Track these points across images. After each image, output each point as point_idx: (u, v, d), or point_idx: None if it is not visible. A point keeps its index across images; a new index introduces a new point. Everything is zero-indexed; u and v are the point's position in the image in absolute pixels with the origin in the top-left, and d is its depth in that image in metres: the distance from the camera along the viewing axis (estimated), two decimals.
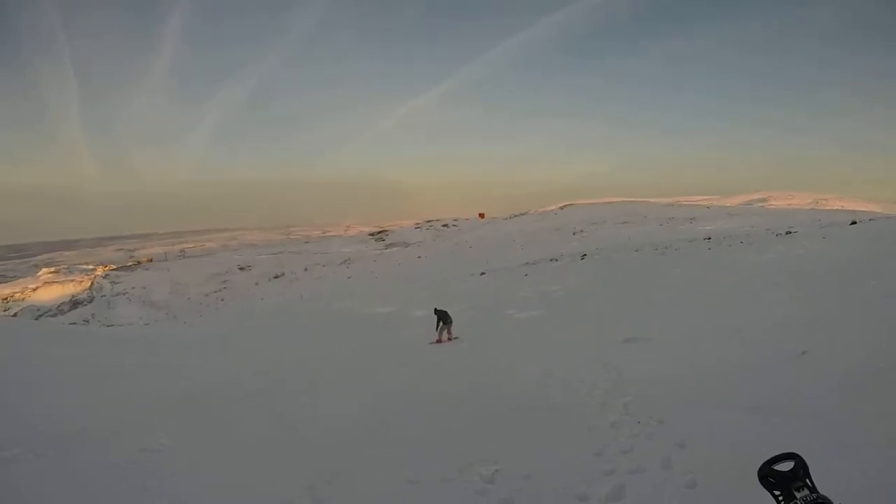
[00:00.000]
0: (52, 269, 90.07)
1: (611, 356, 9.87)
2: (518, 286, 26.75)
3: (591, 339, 12.30)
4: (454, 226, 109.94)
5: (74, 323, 55.16)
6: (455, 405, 7.94)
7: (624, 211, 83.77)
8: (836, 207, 78.00)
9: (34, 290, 75.94)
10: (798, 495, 1.49)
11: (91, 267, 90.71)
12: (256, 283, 71.55)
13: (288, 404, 8.57)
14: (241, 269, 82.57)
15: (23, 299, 73.11)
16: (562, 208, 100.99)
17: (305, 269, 75.38)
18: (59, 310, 69.33)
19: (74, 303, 71.32)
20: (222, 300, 64.74)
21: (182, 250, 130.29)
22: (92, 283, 76.60)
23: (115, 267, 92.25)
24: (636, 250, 36.44)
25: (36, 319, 56.82)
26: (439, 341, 14.87)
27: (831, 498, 1.48)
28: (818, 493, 1.50)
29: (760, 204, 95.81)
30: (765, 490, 1.58)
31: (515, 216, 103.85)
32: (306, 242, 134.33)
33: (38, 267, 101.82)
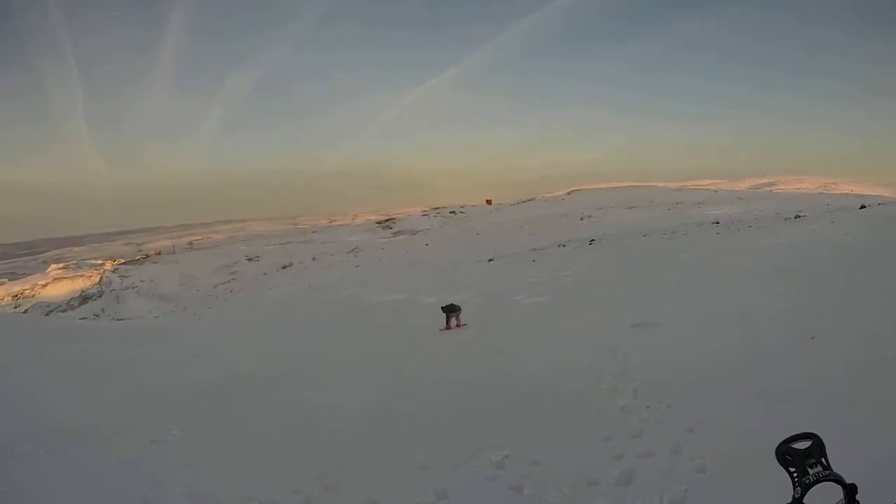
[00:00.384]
0: (61, 264, 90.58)
1: (619, 341, 9.86)
2: (526, 272, 26.70)
3: (599, 325, 12.28)
4: (461, 213, 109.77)
5: (84, 318, 55.60)
6: (464, 392, 7.95)
7: (631, 196, 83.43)
8: (844, 192, 77.39)
9: (44, 286, 76.42)
10: (811, 471, 1.51)
11: (100, 262, 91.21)
12: (265, 274, 71.73)
13: (298, 393, 8.61)
14: (249, 259, 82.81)
15: (33, 296, 73.59)
16: (569, 194, 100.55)
17: (313, 259, 75.50)
18: (68, 305, 69.74)
19: (84, 298, 71.72)
20: (231, 291, 64.97)
21: (190, 243, 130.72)
22: (101, 278, 77.04)
23: (123, 261, 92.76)
24: (644, 235, 36.31)
25: (46, 315, 57.23)
26: (448, 328, 14.91)
27: (844, 478, 1.49)
28: (831, 470, 1.51)
29: (769, 188, 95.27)
30: (775, 474, 1.60)
31: (523, 202, 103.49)
32: (314, 232, 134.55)
33: (47, 263, 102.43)
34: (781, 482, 1.58)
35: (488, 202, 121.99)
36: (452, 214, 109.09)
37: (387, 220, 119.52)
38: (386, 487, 4.89)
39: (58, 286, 75.79)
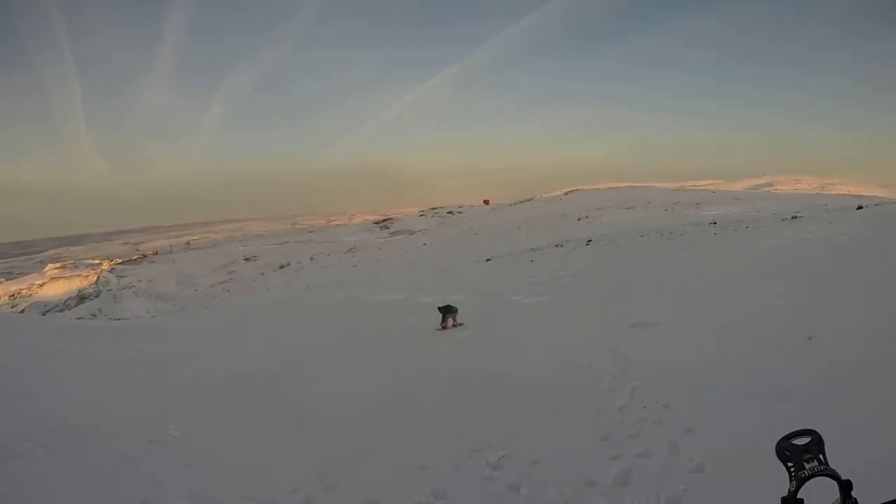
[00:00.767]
0: (59, 264, 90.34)
1: (617, 341, 9.88)
2: (524, 272, 26.73)
3: (598, 325, 12.30)
4: (459, 213, 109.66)
5: (81, 318, 55.47)
6: (463, 391, 7.97)
7: (629, 196, 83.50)
8: (842, 192, 77.52)
9: (41, 286, 76.24)
10: (807, 466, 1.54)
11: (97, 261, 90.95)
12: (262, 274, 71.68)
13: (297, 393, 8.63)
14: (246, 259, 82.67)
15: (29, 295, 73.40)
16: (567, 194, 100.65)
17: (311, 259, 75.46)
18: (65, 305, 69.57)
19: (81, 297, 71.53)
20: (228, 291, 64.90)
21: (187, 242, 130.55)
22: (98, 278, 76.87)
23: (120, 261, 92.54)
24: (641, 235, 36.35)
25: (43, 315, 57.08)
26: (444, 328, 14.93)
27: (840, 474, 1.51)
28: (827, 465, 1.54)
29: (766, 188, 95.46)
30: (776, 473, 1.62)
31: (520, 202, 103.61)
32: (311, 232, 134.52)
33: (44, 263, 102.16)
34: (779, 481, 1.60)
35: (486, 202, 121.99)
36: (450, 214, 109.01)
37: (384, 220, 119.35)
38: (385, 487, 4.90)
39: (55, 286, 75.63)
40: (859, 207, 32.28)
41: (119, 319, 47.25)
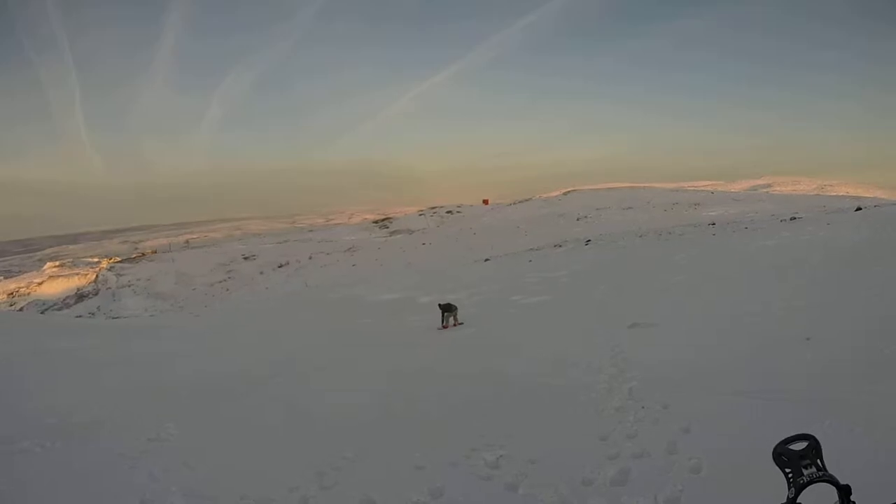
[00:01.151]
0: (57, 262, 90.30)
1: (615, 341, 9.89)
2: (522, 272, 26.74)
3: (596, 325, 12.31)
4: (458, 212, 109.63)
5: (80, 316, 55.45)
6: (461, 390, 7.97)
7: (628, 196, 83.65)
8: (841, 193, 77.70)
9: (39, 284, 76.26)
10: (805, 472, 1.53)
11: (96, 260, 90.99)
12: (261, 273, 71.74)
13: (296, 392, 8.62)
14: (245, 258, 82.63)
15: (28, 293, 73.45)
16: (566, 194, 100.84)
17: (310, 258, 75.53)
18: (64, 303, 69.58)
19: (80, 296, 71.54)
20: (227, 290, 64.94)
21: (187, 241, 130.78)
22: (97, 276, 76.83)
23: (119, 259, 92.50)
24: (640, 236, 36.41)
25: (41, 313, 57.06)
26: (444, 327, 14.97)
27: (838, 479, 1.50)
28: (826, 471, 1.53)
29: (765, 189, 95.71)
30: (773, 474, 1.62)
31: (519, 202, 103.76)
32: (311, 231, 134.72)
33: (43, 261, 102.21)
34: (776, 482, 1.61)
35: (485, 202, 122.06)
36: (449, 214, 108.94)
37: (383, 220, 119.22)
38: (382, 486, 4.90)
39: (53, 284, 75.62)
40: (858, 208, 32.35)
41: (118, 318, 47.23)
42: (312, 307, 26.28)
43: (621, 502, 4.22)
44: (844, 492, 1.50)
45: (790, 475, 1.56)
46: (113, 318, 49.64)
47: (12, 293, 73.32)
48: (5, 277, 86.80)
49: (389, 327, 17.11)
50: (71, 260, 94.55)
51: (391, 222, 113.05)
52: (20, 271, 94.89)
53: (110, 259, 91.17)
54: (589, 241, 38.89)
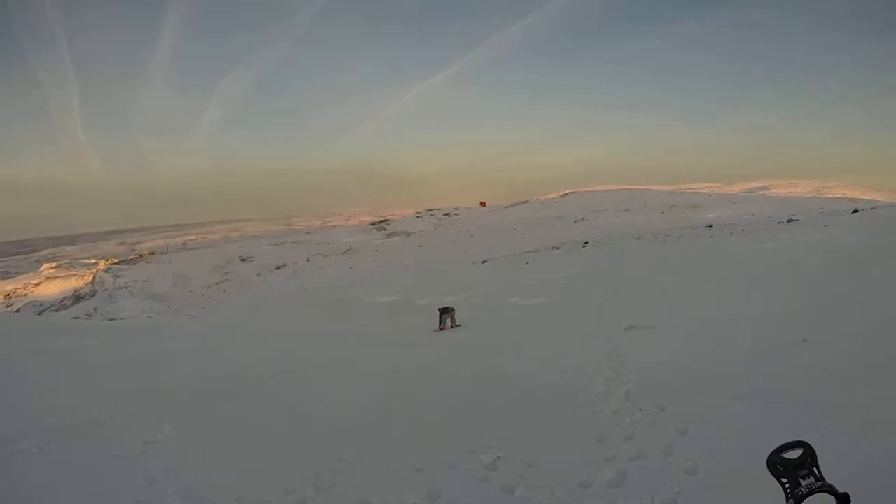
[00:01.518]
0: (54, 264, 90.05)
1: (613, 344, 9.88)
2: (520, 274, 26.76)
3: (593, 327, 12.33)
4: (455, 214, 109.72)
5: (77, 317, 55.34)
6: (459, 392, 7.96)
7: (625, 198, 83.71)
8: (838, 195, 77.84)
9: (36, 285, 76.04)
10: (803, 483, 1.52)
11: (93, 261, 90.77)
12: (258, 275, 71.70)
13: (293, 393, 8.61)
14: (242, 260, 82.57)
15: (25, 295, 73.22)
16: (563, 196, 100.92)
17: (307, 260, 75.52)
18: (61, 304, 69.40)
19: (77, 297, 71.38)
20: (225, 292, 64.90)
21: (184, 242, 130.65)
22: (94, 278, 76.67)
23: (116, 261, 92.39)
24: (637, 238, 36.45)
25: (38, 315, 56.94)
26: (442, 329, 15.00)
27: (836, 486, 1.50)
28: (824, 480, 1.52)
29: (762, 192, 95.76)
30: (768, 477, 1.60)
31: (517, 204, 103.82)
32: (308, 233, 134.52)
33: (40, 262, 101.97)
34: (773, 485, 1.60)
35: (483, 204, 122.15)
36: (447, 216, 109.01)
37: (381, 222, 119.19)
38: (379, 488, 4.89)
39: (50, 285, 75.41)
40: (855, 211, 32.40)
41: (114, 319, 47.12)
42: (310, 309, 26.27)
43: None
44: (843, 501, 1.49)
45: (787, 485, 1.54)
46: (110, 319, 49.53)
47: (9, 294, 73.09)
48: (2, 279, 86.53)
49: (387, 329, 17.11)
50: (68, 261, 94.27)
51: (388, 224, 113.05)
52: (17, 272, 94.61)
53: (107, 260, 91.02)
54: (586, 243, 38.92)
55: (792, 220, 32.29)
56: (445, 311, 15.43)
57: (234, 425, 7.06)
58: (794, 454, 1.58)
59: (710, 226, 40.10)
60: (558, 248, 39.37)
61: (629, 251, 29.93)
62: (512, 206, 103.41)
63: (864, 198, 70.50)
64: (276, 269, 73.54)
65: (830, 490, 1.49)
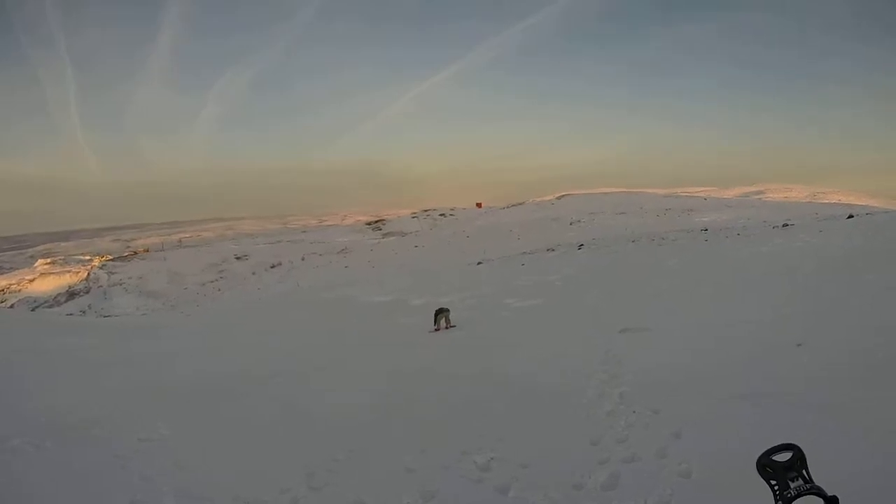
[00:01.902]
0: (49, 260, 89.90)
1: (607, 346, 9.89)
2: (515, 276, 26.76)
3: (588, 329, 12.33)
4: (451, 215, 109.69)
5: (71, 314, 55.17)
6: (453, 393, 7.96)
7: (621, 201, 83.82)
8: (833, 201, 77.99)
9: (31, 281, 75.86)
10: (792, 485, 1.52)
11: (88, 258, 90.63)
12: (253, 273, 71.61)
13: (288, 393, 8.61)
14: (238, 258, 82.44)
15: (19, 291, 73.03)
16: (559, 198, 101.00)
17: (303, 259, 75.43)
18: (55, 301, 69.26)
19: (71, 294, 71.23)
20: (219, 290, 64.80)
21: (179, 240, 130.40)
22: (88, 274, 76.52)
23: (111, 257, 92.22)
24: (633, 241, 36.50)
25: (32, 311, 56.78)
26: (437, 329, 15.01)
27: (825, 488, 1.50)
28: (812, 483, 1.52)
29: (757, 196, 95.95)
30: (760, 479, 1.60)
31: (513, 206, 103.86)
32: (303, 232, 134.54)
33: (34, 258, 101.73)
34: (766, 487, 1.60)
35: (479, 205, 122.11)
36: (442, 217, 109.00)
37: (377, 222, 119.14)
38: (373, 488, 4.90)
39: (44, 281, 75.23)
40: (850, 216, 32.50)
41: (109, 316, 46.97)
42: (305, 308, 26.22)
43: None
44: (832, 503, 1.49)
45: (776, 487, 1.55)
46: (104, 316, 49.39)
47: (3, 290, 72.89)
48: None
49: (382, 329, 17.10)
50: (63, 257, 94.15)
51: (384, 224, 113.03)
52: (11, 268, 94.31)
53: (102, 257, 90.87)
54: (582, 245, 38.98)
55: (787, 225, 32.37)
56: (440, 312, 15.45)
57: (233, 425, 7.06)
58: (783, 456, 1.58)
59: (706, 229, 40.21)
60: (554, 249, 39.40)
61: (625, 254, 29.97)
62: (508, 207, 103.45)
63: (860, 203, 70.56)
64: (272, 267, 73.45)
65: (819, 492, 1.49)
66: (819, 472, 1.58)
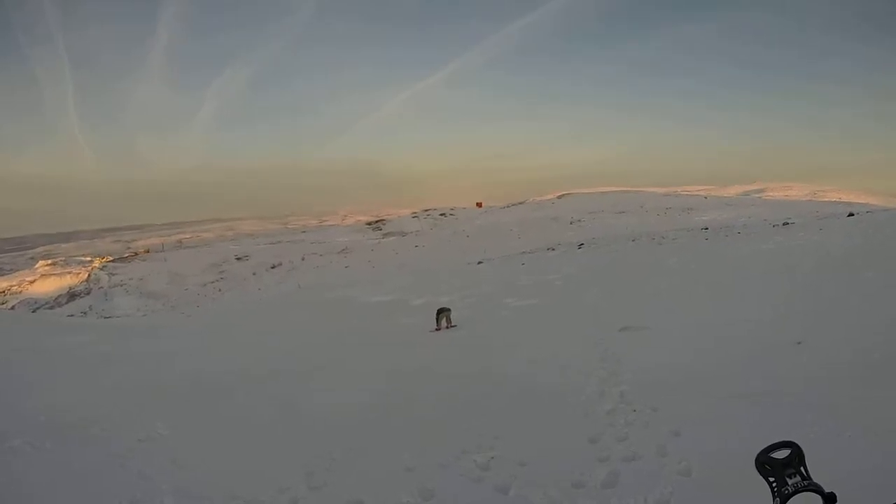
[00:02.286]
0: (50, 261, 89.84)
1: (607, 345, 9.90)
2: (515, 275, 26.77)
3: (588, 328, 12.32)
4: (451, 215, 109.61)
5: (72, 315, 55.16)
6: (453, 392, 7.95)
7: (621, 200, 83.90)
8: (833, 199, 77.88)
9: (31, 282, 75.91)
10: (790, 482, 1.52)
11: (88, 259, 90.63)
12: (254, 273, 71.61)
13: (287, 392, 8.59)
14: (238, 259, 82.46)
15: (20, 292, 73.07)
16: (559, 198, 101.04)
17: (303, 259, 75.42)
18: (56, 302, 69.29)
19: (72, 295, 71.26)
20: (220, 290, 64.81)
21: (179, 241, 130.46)
22: (89, 275, 76.55)
23: (112, 258, 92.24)
24: (633, 240, 36.51)
25: (33, 312, 56.78)
26: (437, 329, 15.02)
27: (823, 485, 1.50)
28: (811, 480, 1.52)
29: (758, 194, 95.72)
30: (759, 477, 1.60)
31: (513, 205, 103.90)
32: (303, 232, 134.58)
33: (35, 259, 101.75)
34: (765, 485, 1.60)
35: (479, 205, 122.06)
36: (443, 216, 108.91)
37: (377, 222, 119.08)
38: (372, 487, 4.89)
39: (45, 283, 75.27)
40: (850, 214, 32.49)
41: (109, 317, 47.00)
42: (306, 308, 26.23)
43: None
44: (829, 500, 1.49)
45: (774, 484, 1.55)
46: (105, 317, 49.45)
47: (4, 291, 72.94)
48: None
49: (382, 328, 17.10)
50: (63, 259, 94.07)
51: (384, 224, 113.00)
52: (12, 269, 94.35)
53: (103, 258, 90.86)
54: (582, 244, 39.00)
55: (787, 224, 32.37)
56: (441, 311, 15.47)
57: (232, 424, 7.05)
58: (782, 454, 1.58)
59: (706, 228, 40.22)
60: (554, 249, 39.42)
61: (624, 253, 29.98)
62: (508, 206, 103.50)
63: (860, 202, 70.47)
64: (272, 268, 73.44)
65: (817, 489, 1.48)
66: (818, 470, 1.57)
